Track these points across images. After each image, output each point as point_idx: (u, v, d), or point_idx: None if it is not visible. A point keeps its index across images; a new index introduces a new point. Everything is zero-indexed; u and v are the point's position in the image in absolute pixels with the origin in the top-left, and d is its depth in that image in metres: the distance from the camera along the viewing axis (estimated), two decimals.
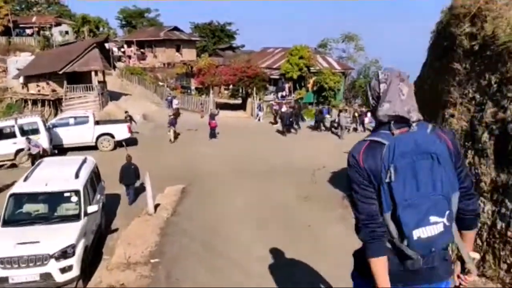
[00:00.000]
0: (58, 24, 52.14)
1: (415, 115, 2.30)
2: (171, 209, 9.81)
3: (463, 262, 2.48)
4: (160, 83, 43.34)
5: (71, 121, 22.01)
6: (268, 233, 8.32)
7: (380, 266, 2.25)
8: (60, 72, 31.30)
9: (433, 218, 2.17)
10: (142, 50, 52.27)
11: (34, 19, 51.13)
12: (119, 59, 49.84)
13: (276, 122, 29.01)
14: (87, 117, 22.20)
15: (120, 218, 13.07)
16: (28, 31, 49.99)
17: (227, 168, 17.48)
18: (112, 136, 22.24)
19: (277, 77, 36.97)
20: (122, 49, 52.25)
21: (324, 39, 44.98)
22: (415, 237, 2.17)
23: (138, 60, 50.72)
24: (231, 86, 39.73)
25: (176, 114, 33.51)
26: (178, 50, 53.14)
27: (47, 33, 49.14)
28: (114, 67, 39.01)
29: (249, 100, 33.58)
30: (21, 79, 32.53)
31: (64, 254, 8.55)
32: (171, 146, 23.03)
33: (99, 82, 34.53)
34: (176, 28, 54.36)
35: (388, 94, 2.34)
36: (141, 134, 25.73)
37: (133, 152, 18.43)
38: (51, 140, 20.03)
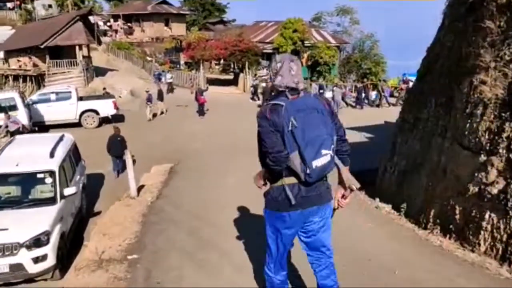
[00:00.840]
0: None
1: (301, 85, 3.25)
2: (157, 191, 8.83)
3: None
4: (148, 58, 41.78)
5: (53, 96, 20.76)
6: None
7: (271, 174, 3.30)
8: (42, 46, 29.67)
9: (324, 151, 3.13)
10: (129, 24, 50.34)
11: None
12: (105, 33, 47.90)
13: (256, 98, 27.99)
14: (70, 92, 20.96)
15: (103, 199, 12.16)
16: (9, 5, 47.67)
17: (217, 145, 16.53)
18: (96, 112, 21.10)
19: (270, 51, 35.61)
20: (108, 23, 50.22)
21: (318, 12, 43.43)
22: (313, 166, 3.11)
23: (125, 34, 48.84)
24: (222, 61, 38.37)
25: (170, 89, 32.33)
26: (167, 24, 51.27)
27: (29, 6, 46.94)
28: (100, 41, 37.27)
29: (241, 75, 32.37)
30: (1, 54, 30.91)
31: (37, 242, 7.62)
32: (158, 123, 21.99)
33: (83, 57, 32.94)
34: (164, 2, 52.31)
35: (281, 70, 3.25)
36: (128, 110, 24.56)
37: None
38: (31, 117, 18.85)
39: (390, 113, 24.31)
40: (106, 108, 21.17)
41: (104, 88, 27.36)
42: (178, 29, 50.84)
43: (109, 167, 14.90)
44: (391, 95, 28.28)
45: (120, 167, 13.39)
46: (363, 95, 27.13)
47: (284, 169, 3.17)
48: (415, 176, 7.39)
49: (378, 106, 26.76)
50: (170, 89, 32.13)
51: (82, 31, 30.74)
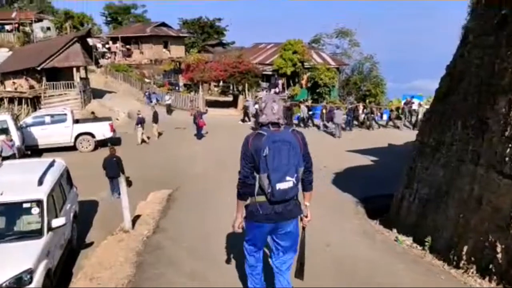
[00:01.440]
0: (40, 20, 49.76)
1: (282, 122, 4.02)
2: (154, 223, 8.02)
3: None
4: (147, 80, 41.37)
5: (47, 119, 20.07)
6: None
7: (240, 205, 4.20)
8: (39, 68, 29.28)
9: (288, 178, 3.84)
10: (128, 46, 50.15)
11: (14, 14, 48.72)
12: (103, 55, 47.66)
13: (246, 120, 27.30)
14: (65, 114, 20.28)
15: (97, 228, 11.34)
16: (8, 27, 47.53)
17: (218, 169, 15.78)
18: (92, 135, 20.38)
19: (270, 73, 35.30)
20: (107, 46, 50.05)
21: (317, 34, 43.37)
22: (277, 188, 3.83)
23: (123, 56, 48.58)
24: (221, 83, 37.96)
25: (168, 111, 31.73)
26: (165, 46, 51.11)
27: (27, 29, 46.83)
28: (97, 63, 36.98)
29: (241, 97, 31.85)
30: None
31: (19, 281, 6.78)
32: (156, 146, 21.22)
33: (81, 78, 32.53)
34: (163, 24, 52.34)
35: (265, 110, 4.05)
36: (125, 133, 23.82)
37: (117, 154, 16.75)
38: (23, 140, 18.11)
39: (387, 136, 23.90)
40: (102, 131, 20.47)
41: (93, 112, 26.61)
42: (177, 51, 50.64)
43: (103, 193, 14.14)
44: (390, 118, 27.42)
45: (117, 189, 12.80)
46: (352, 116, 26.16)
47: (257, 189, 3.96)
48: (440, 206, 6.66)
49: (368, 128, 25.87)
50: (169, 110, 31.55)
51: (79, 52, 30.35)
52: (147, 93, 35.30)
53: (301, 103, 28.37)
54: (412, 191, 7.70)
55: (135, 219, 8.52)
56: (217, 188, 11.93)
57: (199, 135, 22.49)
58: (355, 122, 26.59)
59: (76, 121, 21.19)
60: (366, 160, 18.13)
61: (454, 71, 7.18)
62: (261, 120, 4.08)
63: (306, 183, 4.24)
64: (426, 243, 6.60)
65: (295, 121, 26.38)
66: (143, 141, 21.68)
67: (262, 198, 3.95)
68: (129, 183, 15.28)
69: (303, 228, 4.30)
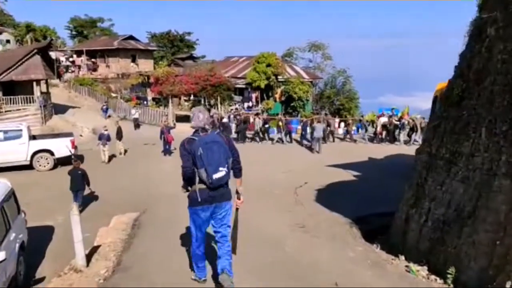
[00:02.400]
0: None
1: (208, 127, 4.89)
2: (114, 258, 6.55)
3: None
4: (113, 95, 39.53)
5: (0, 135, 18.12)
6: None
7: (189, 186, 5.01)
8: None
9: (221, 169, 4.71)
10: (93, 60, 48.13)
11: None
12: (66, 69, 45.47)
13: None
14: (20, 130, 18.39)
15: (50, 259, 9.74)
16: None
17: None
18: (51, 153, 18.54)
19: (243, 86, 34.26)
20: (71, 59, 47.86)
21: (290, 48, 42.78)
22: (214, 178, 4.68)
23: (88, 70, 46.52)
24: (192, 97, 36.54)
25: (136, 125, 30.06)
26: (133, 60, 49.38)
27: None
28: (59, 76, 34.93)
29: (213, 111, 30.51)
30: None
31: None
32: (122, 164, 19.57)
33: (41, 93, 30.51)
34: (131, 37, 50.64)
35: (193, 119, 4.99)
36: (90, 149, 22.04)
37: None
38: None
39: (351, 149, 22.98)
40: (62, 148, 18.67)
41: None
42: (146, 65, 49.01)
43: (60, 217, 12.46)
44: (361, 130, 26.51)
45: (80, 203, 12.49)
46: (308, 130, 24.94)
47: (198, 179, 4.85)
48: (464, 229, 5.56)
49: (324, 141, 24.77)
50: (136, 125, 29.91)
51: (40, 65, 28.43)
52: (104, 107, 33.77)
53: (277, 117, 27.23)
54: (423, 211, 6.59)
55: (92, 251, 7.05)
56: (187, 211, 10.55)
57: (167, 151, 20.98)
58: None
59: (33, 137, 19.31)
60: (349, 175, 17.12)
61: (467, 72, 6.18)
62: (191, 126, 5.02)
63: (236, 171, 5.18)
64: (449, 275, 5.47)
65: (272, 135, 25.27)
66: (109, 158, 20.05)
67: (202, 186, 4.84)
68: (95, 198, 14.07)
69: (237, 209, 5.23)
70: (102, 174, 17.05)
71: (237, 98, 34.64)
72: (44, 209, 13.29)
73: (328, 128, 25.16)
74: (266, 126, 25.07)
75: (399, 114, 28.51)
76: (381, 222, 9.54)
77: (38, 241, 10.28)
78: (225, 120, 23.87)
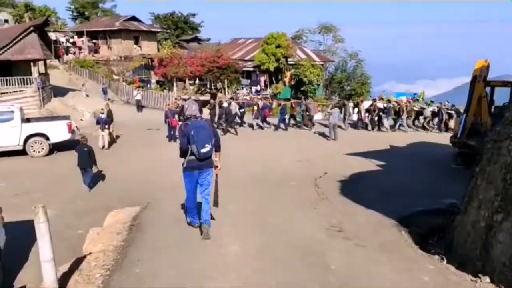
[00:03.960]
0: None
1: (198, 114, 6.58)
2: (101, 280, 5.00)
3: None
4: (115, 77, 37.86)
5: None
6: None
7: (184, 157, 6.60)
8: None
9: (206, 145, 6.34)
10: (94, 41, 46.31)
11: None
12: (67, 50, 43.72)
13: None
14: (11, 112, 16.83)
15: (33, 264, 8.27)
16: None
17: None
18: (46, 137, 17.04)
19: (251, 69, 32.51)
20: (72, 40, 46.05)
21: (299, 29, 40.81)
22: (201, 151, 6.31)
23: (90, 52, 44.73)
24: (197, 81, 34.83)
25: (139, 108, 28.50)
26: (136, 42, 47.51)
27: None
28: (59, 57, 33.27)
29: (220, 95, 28.89)
30: None
31: None
32: (123, 150, 18.03)
33: (40, 74, 28.92)
34: (134, 18, 48.65)
35: (188, 108, 6.61)
36: (90, 134, 20.46)
37: (74, 159, 13.75)
38: None
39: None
40: (58, 132, 17.17)
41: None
42: (149, 47, 47.19)
43: (52, 210, 11.01)
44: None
45: (89, 181, 12.38)
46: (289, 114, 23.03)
47: (190, 152, 6.46)
48: None
49: (306, 126, 22.94)
50: (139, 107, 28.37)
51: (37, 44, 26.78)
52: (104, 88, 32.28)
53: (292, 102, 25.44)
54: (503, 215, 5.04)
55: (73, 267, 5.54)
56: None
57: (172, 137, 19.46)
58: (292, 122, 23.48)
59: (27, 120, 17.81)
60: (371, 165, 15.53)
61: None
62: (186, 114, 6.67)
63: (216, 147, 6.66)
64: None
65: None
66: (110, 144, 18.54)
67: (192, 157, 6.50)
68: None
69: (216, 175, 6.82)
70: (100, 161, 15.46)
71: (245, 81, 32.94)
72: (34, 201, 11.73)
73: (307, 114, 23.30)
74: (242, 110, 23.27)
75: (420, 99, 26.92)
76: (429, 223, 8.03)
77: (21, 241, 8.80)
78: (224, 104, 22.12)
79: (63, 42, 44.28)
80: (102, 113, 18.92)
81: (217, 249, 6.29)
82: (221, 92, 30.04)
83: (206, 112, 23.94)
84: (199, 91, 33.42)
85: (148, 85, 35.78)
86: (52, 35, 42.94)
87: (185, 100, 23.87)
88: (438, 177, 13.86)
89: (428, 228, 7.72)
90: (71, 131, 17.68)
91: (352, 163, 15.80)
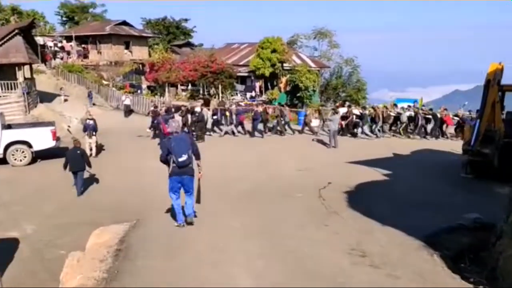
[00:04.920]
0: None
1: (179, 131, 8.19)
2: None
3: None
4: (105, 82, 36.68)
5: None
6: None
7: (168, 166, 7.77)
8: None
9: (183, 155, 7.50)
10: (84, 46, 45.07)
11: None
12: (54, 55, 42.40)
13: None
14: None
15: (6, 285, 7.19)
16: None
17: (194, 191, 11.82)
18: (28, 144, 15.89)
19: (245, 74, 31.54)
20: (60, 44, 44.75)
21: (294, 35, 39.91)
22: (179, 160, 7.48)
23: (79, 57, 43.47)
24: (189, 86, 33.79)
25: (127, 112, 27.36)
26: (127, 47, 46.35)
27: None
28: (45, 61, 32.03)
29: (213, 101, 27.88)
30: None
31: None
32: (112, 159, 16.86)
33: (25, 79, 27.71)
34: (125, 23, 47.50)
35: (169, 126, 8.47)
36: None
37: (58, 168, 12.98)
38: None
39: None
40: (42, 139, 16.04)
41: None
42: (140, 52, 46.08)
43: (29, 227, 9.89)
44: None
45: (80, 187, 12.03)
46: (261, 120, 21.69)
47: (171, 162, 7.55)
48: None
49: (280, 133, 21.94)
50: (127, 112, 27.27)
51: (22, 47, 25.61)
52: (89, 92, 31.28)
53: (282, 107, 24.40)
54: None
55: None
56: (197, 222, 7.97)
57: None
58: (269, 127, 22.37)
59: (8, 127, 16.65)
60: (377, 174, 14.59)
61: None
62: (168, 131, 8.63)
63: (195, 156, 7.75)
64: None
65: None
66: (98, 151, 17.41)
67: (174, 165, 7.55)
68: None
69: (199, 179, 7.90)
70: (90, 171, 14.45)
71: (240, 87, 31.97)
72: (11, 215, 10.71)
73: (282, 120, 22.28)
74: (215, 117, 22.14)
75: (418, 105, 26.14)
76: (457, 243, 7.08)
77: None
78: (197, 109, 21.21)
79: (51, 47, 43.02)
80: (90, 119, 17.80)
81: (226, 285, 5.22)
82: (214, 97, 29.00)
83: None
84: (192, 97, 32.38)
85: (139, 91, 34.65)
86: (40, 40, 41.71)
87: (156, 107, 22.80)
88: (447, 186, 12.99)
89: (457, 249, 6.76)
90: (56, 138, 16.55)
91: (356, 171, 14.86)
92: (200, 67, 27.76)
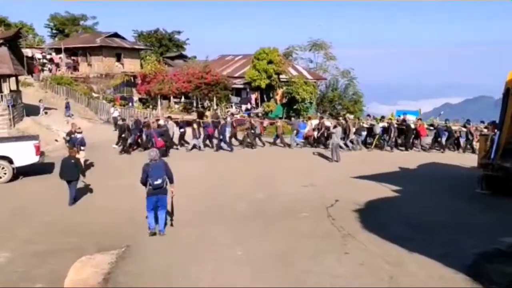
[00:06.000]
0: None
1: (156, 158, 9.20)
2: None
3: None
4: (95, 95, 35.51)
5: None
6: None
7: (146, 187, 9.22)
8: None
9: (158, 179, 8.94)
10: (73, 58, 43.92)
11: None
12: (43, 66, 41.17)
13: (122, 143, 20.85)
14: None
15: None
16: None
17: (190, 211, 10.72)
18: (9, 160, 14.68)
19: (241, 86, 30.61)
20: (49, 56, 43.56)
21: (289, 46, 39.19)
22: (155, 183, 8.92)
23: (68, 69, 42.28)
24: (183, 99, 32.77)
25: (115, 124, 26.09)
26: (118, 59, 45.28)
27: None
28: (31, 73, 30.82)
29: (208, 113, 26.84)
30: None
31: None
32: (101, 175, 15.63)
33: (11, 91, 26.51)
34: (116, 35, 46.51)
35: (149, 154, 9.32)
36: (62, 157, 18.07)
37: (42, 185, 11.71)
38: None
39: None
40: (24, 154, 14.85)
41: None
42: (132, 65, 45.01)
43: (5, 254, 8.69)
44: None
45: (72, 196, 11.92)
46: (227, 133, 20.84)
47: (148, 184, 8.90)
48: None
49: (251, 146, 20.91)
50: (116, 125, 26.14)
51: (7, 58, 24.47)
52: (66, 103, 30.32)
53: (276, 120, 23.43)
54: None
55: None
56: (194, 252, 6.85)
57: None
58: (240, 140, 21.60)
59: None
60: (385, 190, 13.60)
61: None
62: (149, 158, 9.16)
63: (170, 180, 9.13)
64: None
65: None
66: (86, 167, 16.16)
67: (150, 187, 8.92)
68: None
69: (172, 198, 9.24)
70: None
71: (235, 99, 31.01)
72: None
73: (253, 132, 21.32)
74: (182, 130, 20.97)
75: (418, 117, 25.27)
76: (501, 273, 6.05)
77: None
78: (161, 122, 20.39)
79: (39, 59, 41.84)
80: (79, 132, 16.64)
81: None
82: (209, 110, 27.96)
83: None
84: (185, 110, 31.34)
85: (130, 103, 33.53)
86: (28, 52, 40.53)
87: (124, 120, 21.41)
88: (464, 204, 12.03)
89: (505, 281, 5.74)
90: (40, 153, 15.36)
91: (362, 187, 13.87)
92: (194, 79, 26.78)
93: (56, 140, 23.94)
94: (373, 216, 10.76)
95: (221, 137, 20.33)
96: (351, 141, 20.99)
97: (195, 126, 20.55)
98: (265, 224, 9.81)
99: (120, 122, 21.47)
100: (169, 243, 8.00)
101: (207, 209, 11.25)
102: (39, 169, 15.75)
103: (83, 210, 11.44)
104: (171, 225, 9.45)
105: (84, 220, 10.50)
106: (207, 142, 20.69)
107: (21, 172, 15.22)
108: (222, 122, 20.97)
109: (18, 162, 14.84)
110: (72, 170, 11.87)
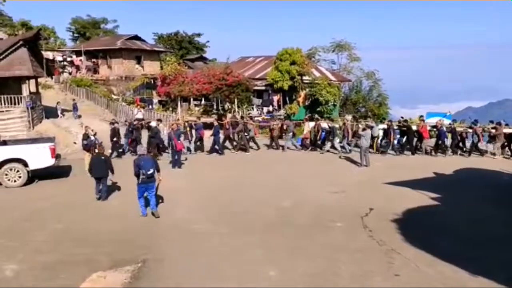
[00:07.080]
0: None
1: (145, 153, 11.16)
2: None
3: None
4: (115, 97, 35.09)
5: None
6: None
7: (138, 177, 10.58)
8: None
9: (150, 169, 10.41)
10: (93, 60, 43.75)
11: None
12: (63, 69, 41.06)
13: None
14: None
15: None
16: None
17: (211, 219, 9.85)
18: (24, 163, 14.07)
19: (262, 88, 29.65)
20: (69, 59, 43.48)
21: (312, 47, 38.09)
22: (148, 173, 10.38)
23: (88, 71, 42.13)
24: (203, 101, 32.03)
25: (139, 126, 25.50)
26: (138, 62, 44.95)
27: None
28: (51, 75, 30.52)
29: (229, 115, 25.99)
30: None
31: None
32: (118, 179, 14.85)
33: (30, 93, 26.18)
34: (136, 37, 46.23)
35: (138, 149, 11.71)
36: (82, 159, 17.37)
37: (57, 189, 11.06)
38: None
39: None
40: (39, 157, 14.23)
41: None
42: (152, 67, 44.63)
43: (11, 266, 7.93)
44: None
45: (104, 193, 12.21)
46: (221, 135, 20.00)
47: (140, 174, 10.24)
48: None
49: (244, 150, 19.98)
50: (140, 126, 25.57)
51: (26, 59, 24.09)
52: (74, 104, 30.05)
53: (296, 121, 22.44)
54: None
55: None
56: (218, 269, 5.92)
57: (176, 163, 16.46)
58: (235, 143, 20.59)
59: (3, 143, 14.91)
60: (424, 197, 12.49)
61: None
62: (138, 153, 10.99)
63: (157, 170, 10.55)
64: None
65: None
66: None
67: (143, 177, 10.23)
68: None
69: (158, 184, 10.63)
70: (88, 192, 12.51)
71: (256, 101, 30.07)
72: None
73: (246, 135, 20.31)
74: (198, 134, 20.06)
75: (450, 120, 23.83)
76: None
77: None
78: (152, 124, 19.88)
79: (60, 61, 41.79)
80: (94, 135, 16.02)
81: None
82: (229, 112, 27.10)
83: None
84: (205, 112, 30.60)
85: (150, 106, 32.97)
86: (49, 54, 40.53)
87: (114, 123, 20.51)
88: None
89: None
90: (56, 155, 14.72)
91: (398, 194, 12.77)
92: (215, 80, 25.98)
93: (75, 143, 23.47)
94: (415, 228, 9.68)
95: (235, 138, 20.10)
96: (348, 144, 20.07)
97: (187, 128, 19.90)
98: (297, 235, 8.86)
99: (111, 126, 20.63)
100: (190, 258, 7.07)
101: (230, 216, 10.36)
102: (55, 172, 15.16)
103: (96, 216, 10.69)
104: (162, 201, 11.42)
105: (97, 227, 9.74)
106: (198, 143, 20.03)
107: (36, 175, 14.64)
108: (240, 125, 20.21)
109: (33, 165, 14.22)
110: (102, 167, 12.12)
